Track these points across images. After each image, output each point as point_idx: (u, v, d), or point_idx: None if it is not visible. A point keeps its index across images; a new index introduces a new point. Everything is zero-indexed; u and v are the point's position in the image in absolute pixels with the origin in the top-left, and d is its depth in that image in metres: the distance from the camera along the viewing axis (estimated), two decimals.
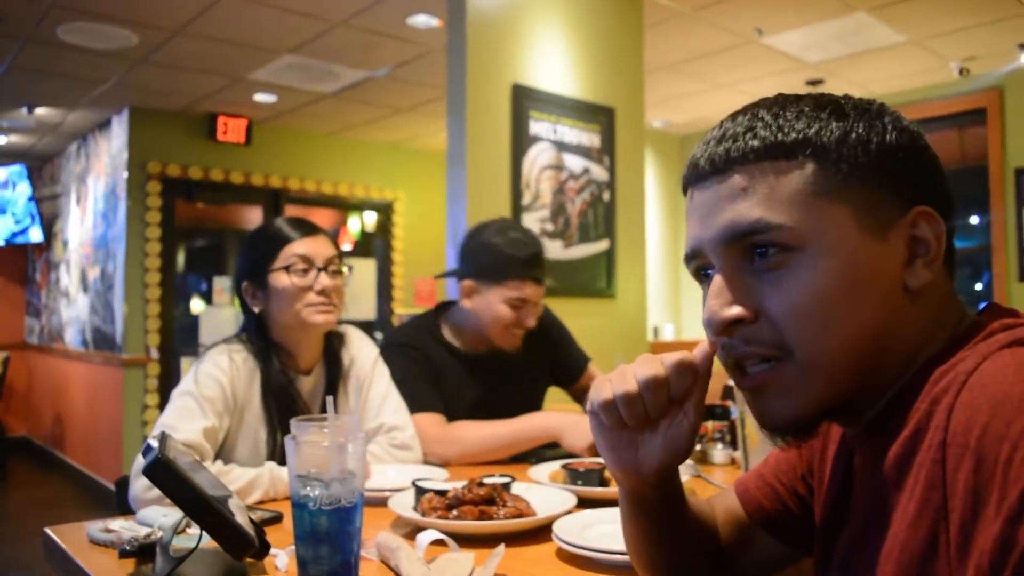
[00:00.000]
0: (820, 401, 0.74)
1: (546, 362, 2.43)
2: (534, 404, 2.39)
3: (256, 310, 1.86)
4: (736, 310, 0.75)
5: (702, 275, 0.81)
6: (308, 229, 1.86)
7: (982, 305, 0.78)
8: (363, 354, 2.01)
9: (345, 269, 1.90)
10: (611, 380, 0.85)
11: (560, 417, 2.04)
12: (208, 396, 1.71)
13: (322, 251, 1.85)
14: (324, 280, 1.83)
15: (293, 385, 1.86)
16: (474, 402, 2.24)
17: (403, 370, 2.13)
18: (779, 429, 0.77)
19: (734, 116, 0.78)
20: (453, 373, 2.23)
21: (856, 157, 0.73)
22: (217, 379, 1.74)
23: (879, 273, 0.72)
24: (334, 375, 1.94)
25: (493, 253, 2.16)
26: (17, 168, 7.47)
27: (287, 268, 1.81)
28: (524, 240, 2.18)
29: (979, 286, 5.92)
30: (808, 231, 0.72)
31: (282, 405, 1.82)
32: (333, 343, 1.96)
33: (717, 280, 0.76)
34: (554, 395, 2.55)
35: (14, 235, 7.75)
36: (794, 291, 0.72)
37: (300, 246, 1.83)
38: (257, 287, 1.85)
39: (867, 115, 0.75)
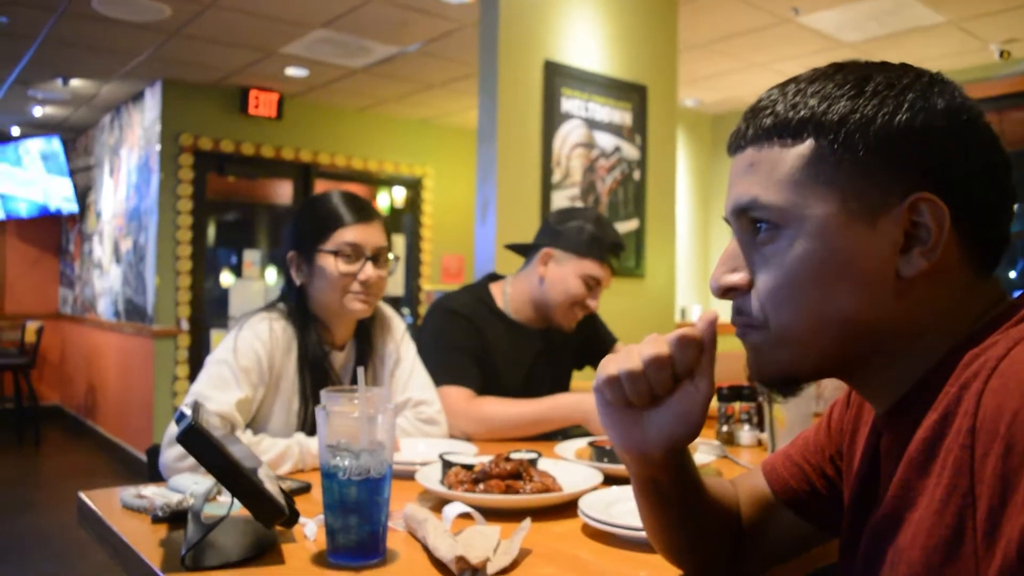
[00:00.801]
0: (785, 367, 0.78)
1: (580, 344, 2.46)
2: (565, 383, 2.43)
3: (299, 283, 1.86)
4: (733, 278, 0.80)
5: None
6: (364, 214, 1.84)
7: (1017, 293, 0.76)
8: (392, 330, 2.02)
9: (392, 257, 1.90)
10: (616, 359, 0.85)
11: (583, 399, 2.05)
12: (244, 366, 1.71)
13: (373, 239, 1.83)
14: (369, 270, 1.82)
15: (328, 358, 1.87)
16: (522, 370, 2.28)
17: (448, 337, 2.18)
18: (754, 376, 0.81)
19: (771, 89, 0.79)
20: (502, 341, 2.26)
21: (853, 139, 0.72)
22: (255, 349, 1.74)
23: (862, 260, 0.72)
24: (364, 351, 1.95)
25: (585, 230, 2.23)
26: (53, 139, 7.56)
27: (336, 253, 1.80)
28: (614, 232, 2.29)
29: (1013, 274, 5.82)
30: (792, 213, 0.74)
31: (316, 377, 1.83)
32: (365, 320, 1.96)
33: (728, 246, 0.82)
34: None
35: (45, 208, 7.86)
36: (776, 268, 0.76)
37: (352, 232, 1.81)
38: (303, 260, 1.84)
39: (887, 93, 0.73)
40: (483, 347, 2.21)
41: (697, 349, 0.83)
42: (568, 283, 2.21)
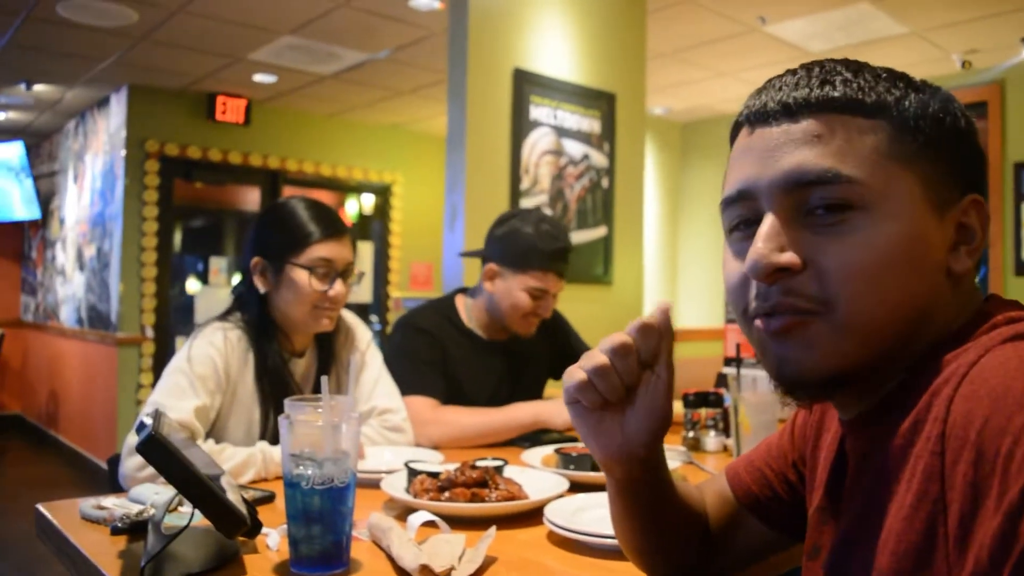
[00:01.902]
0: (844, 361, 0.71)
1: (554, 355, 2.46)
2: (538, 394, 2.43)
3: (263, 290, 1.83)
4: (788, 256, 0.71)
5: (740, 223, 0.78)
6: (336, 229, 1.82)
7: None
8: (356, 338, 2.00)
9: (357, 273, 1.89)
10: (579, 364, 0.85)
11: (546, 403, 2.09)
12: (200, 374, 1.70)
13: (344, 255, 1.83)
14: (338, 287, 1.81)
15: (287, 367, 1.86)
16: (487, 388, 2.27)
17: (411, 350, 2.18)
18: (795, 378, 0.74)
19: (808, 67, 0.76)
20: (466, 358, 2.26)
21: (931, 131, 0.73)
22: (211, 357, 1.73)
23: (932, 250, 0.72)
24: (326, 359, 1.94)
25: (521, 241, 2.19)
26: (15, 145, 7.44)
27: (310, 269, 1.78)
28: (554, 234, 2.21)
29: (975, 280, 5.92)
30: (878, 191, 0.70)
31: (276, 386, 1.81)
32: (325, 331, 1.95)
33: (770, 223, 0.73)
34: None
35: (7, 213, 7.73)
36: (854, 247, 0.70)
37: (326, 248, 1.79)
38: (270, 269, 1.81)
39: (941, 95, 0.75)
40: (447, 362, 2.21)
41: (656, 336, 0.83)
42: (514, 297, 2.19)
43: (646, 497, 0.93)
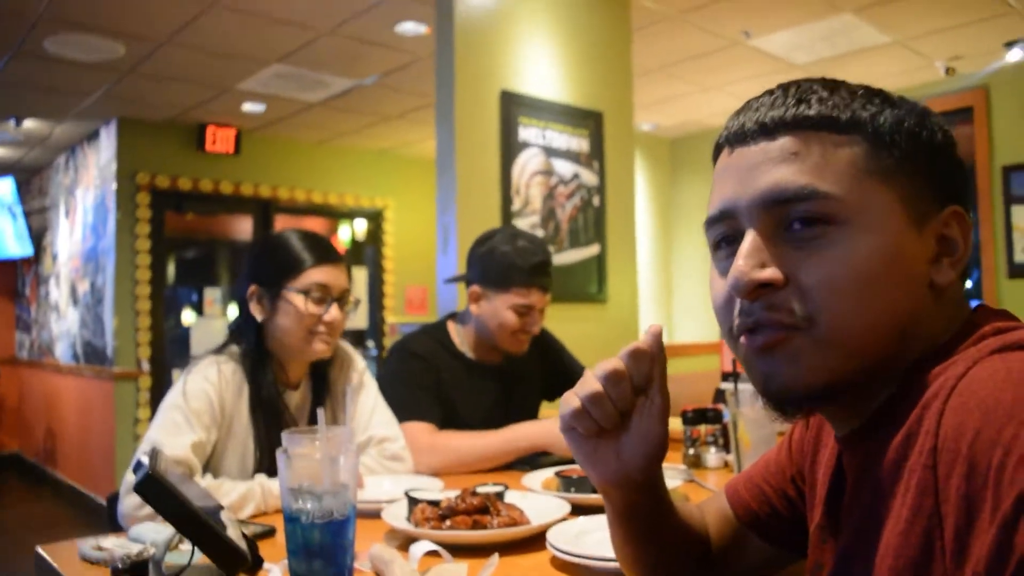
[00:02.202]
0: (830, 375, 0.72)
1: (546, 375, 2.46)
2: (532, 415, 2.42)
3: (260, 319, 1.84)
4: (768, 272, 0.72)
5: (722, 242, 0.79)
6: (331, 256, 1.85)
7: (974, 303, 0.77)
8: (352, 368, 2.00)
9: (352, 300, 1.90)
10: (573, 391, 0.86)
11: (546, 424, 2.08)
12: (196, 409, 1.69)
13: (340, 282, 1.84)
14: (335, 312, 1.82)
15: (281, 398, 1.86)
16: (481, 411, 2.26)
17: (406, 375, 2.18)
18: (781, 393, 0.74)
19: (785, 87, 0.77)
20: (460, 381, 2.26)
21: (907, 145, 0.73)
22: (205, 392, 1.72)
23: (912, 263, 0.72)
24: (321, 389, 1.94)
25: (500, 260, 2.19)
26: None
27: (306, 293, 1.79)
28: (531, 248, 2.21)
29: (968, 284, 5.94)
30: (855, 205, 0.71)
31: (270, 418, 1.81)
32: (322, 358, 1.95)
33: (751, 240, 0.74)
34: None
35: None
36: (833, 262, 0.71)
37: (321, 273, 1.81)
38: (266, 296, 1.83)
39: (917, 110, 0.76)
40: (441, 386, 2.21)
41: (648, 360, 0.84)
42: (501, 317, 2.20)
43: (645, 521, 0.93)
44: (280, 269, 1.82)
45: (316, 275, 1.80)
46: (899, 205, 0.72)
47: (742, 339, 0.75)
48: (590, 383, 0.84)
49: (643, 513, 0.92)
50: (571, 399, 0.85)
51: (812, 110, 0.74)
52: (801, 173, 0.72)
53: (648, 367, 0.84)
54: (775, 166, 0.73)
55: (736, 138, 0.77)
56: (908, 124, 0.74)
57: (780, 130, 0.74)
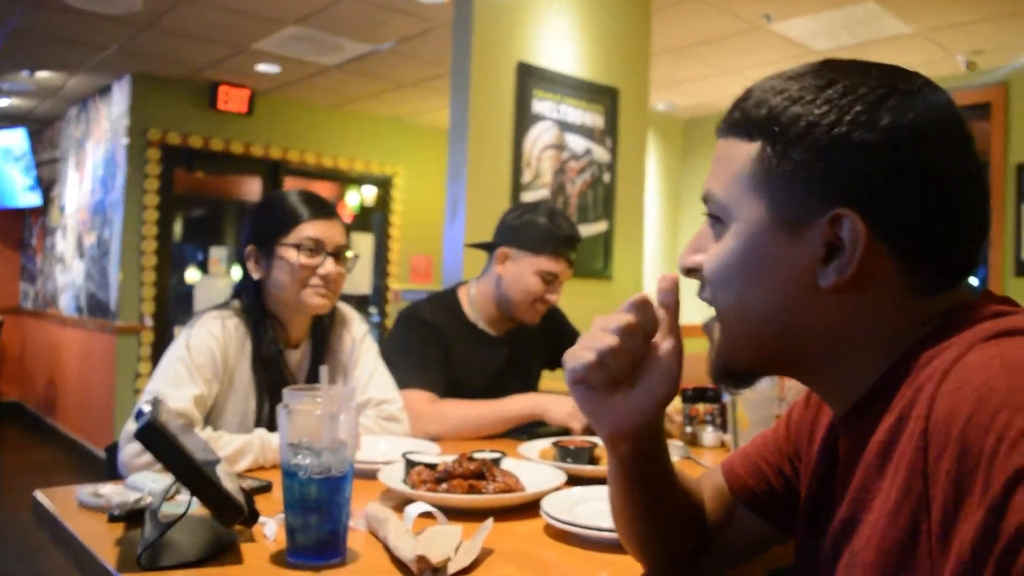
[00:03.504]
0: (726, 358, 0.82)
1: (550, 344, 2.48)
2: (534, 385, 2.47)
3: (256, 277, 1.85)
4: (692, 259, 0.83)
5: None
6: (325, 211, 1.86)
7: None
8: (352, 331, 2.01)
9: (350, 255, 1.90)
10: (583, 346, 0.86)
11: (541, 396, 2.14)
12: (199, 363, 1.70)
13: (334, 237, 1.85)
14: (329, 266, 1.83)
15: (282, 357, 1.86)
16: (484, 379, 2.29)
17: (411, 343, 2.21)
18: (709, 371, 0.84)
19: (758, 81, 0.80)
20: (468, 350, 2.28)
21: (790, 146, 0.73)
22: (208, 345, 1.73)
23: (783, 266, 0.75)
24: (321, 350, 1.95)
25: (538, 227, 2.25)
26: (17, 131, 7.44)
27: (298, 247, 1.80)
28: (568, 224, 2.29)
29: (975, 280, 5.92)
30: (730, 210, 0.78)
31: (271, 375, 1.82)
32: (323, 319, 1.96)
33: (699, 228, 0.84)
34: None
35: (7, 200, 7.72)
36: (716, 258, 0.79)
37: (314, 227, 1.82)
38: (262, 255, 1.84)
39: (838, 102, 0.72)
40: (448, 356, 2.24)
41: (651, 307, 0.86)
42: (526, 280, 2.23)
43: (647, 476, 0.94)
44: (274, 226, 1.83)
45: (308, 229, 1.82)
46: (768, 211, 0.75)
47: None
48: (604, 337, 0.85)
49: (646, 467, 0.93)
50: (583, 353, 0.85)
51: (737, 113, 0.79)
52: (712, 177, 0.81)
53: (653, 314, 0.86)
54: (712, 166, 0.82)
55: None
56: (805, 122, 0.72)
57: (721, 133, 0.82)
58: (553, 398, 2.10)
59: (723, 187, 0.79)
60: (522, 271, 2.23)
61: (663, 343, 0.87)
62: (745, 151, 0.77)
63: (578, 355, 0.86)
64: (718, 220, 0.80)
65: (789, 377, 0.85)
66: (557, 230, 2.23)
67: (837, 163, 0.71)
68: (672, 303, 0.88)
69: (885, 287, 0.73)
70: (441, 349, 2.23)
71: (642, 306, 0.86)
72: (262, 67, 5.87)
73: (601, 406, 0.88)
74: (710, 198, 0.81)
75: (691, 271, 0.83)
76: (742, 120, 0.78)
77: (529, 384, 2.44)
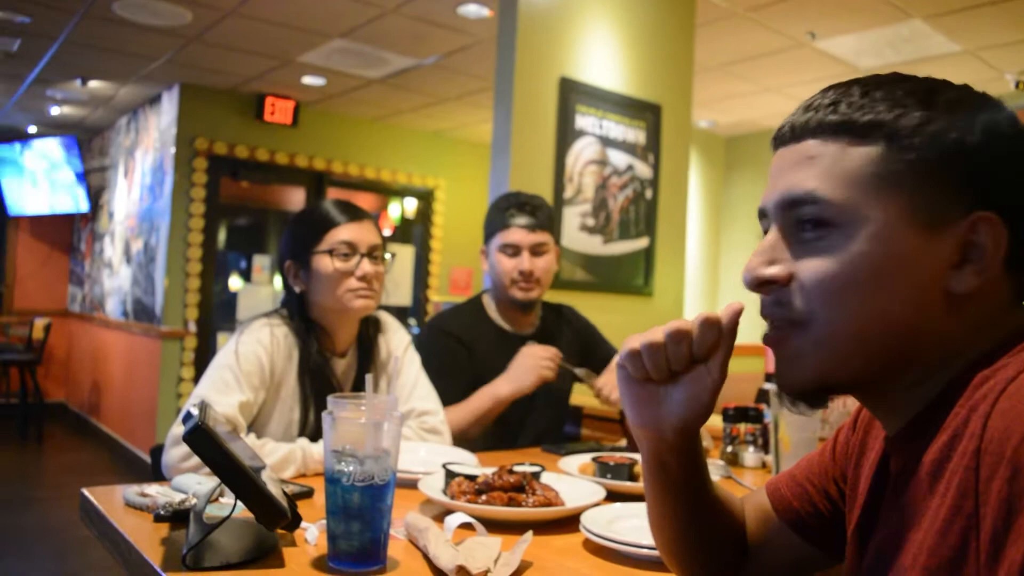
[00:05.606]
0: (824, 375, 0.76)
1: (580, 345, 2.51)
2: (564, 383, 2.45)
3: (297, 290, 1.87)
4: (771, 270, 0.77)
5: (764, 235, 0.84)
6: (354, 214, 1.88)
7: None
8: (396, 341, 2.02)
9: (387, 256, 1.92)
10: (639, 335, 0.88)
11: (502, 377, 2.21)
12: (247, 370, 1.73)
13: (366, 237, 1.86)
14: (366, 266, 1.84)
15: (328, 365, 1.88)
16: None
17: (431, 354, 2.24)
18: (788, 390, 0.79)
19: (831, 87, 0.79)
20: (493, 351, 2.31)
21: (925, 148, 0.72)
22: (257, 354, 1.76)
23: (916, 269, 0.72)
24: (367, 359, 1.96)
25: (489, 213, 2.36)
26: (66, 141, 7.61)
27: (331, 252, 1.82)
28: (510, 194, 2.35)
29: (1005, 299, 5.80)
30: (852, 212, 0.73)
31: (317, 384, 1.84)
32: (368, 328, 1.98)
33: (766, 238, 0.79)
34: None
35: (58, 206, 7.90)
36: (827, 264, 0.74)
37: (345, 231, 1.84)
38: (300, 267, 1.87)
39: (958, 110, 0.73)
40: (473, 358, 2.29)
41: (716, 332, 0.84)
42: (496, 265, 2.32)
43: (676, 481, 0.94)
44: (307, 237, 1.86)
45: (340, 234, 1.84)
46: (904, 211, 0.72)
47: (766, 331, 0.80)
48: (656, 333, 0.86)
49: (672, 475, 0.93)
50: (632, 340, 0.88)
51: (834, 115, 0.75)
52: (809, 178, 0.75)
53: (714, 338, 0.84)
54: (792, 169, 0.77)
55: (777, 140, 0.81)
56: (935, 126, 0.72)
57: (805, 135, 0.77)
58: (511, 370, 2.18)
59: (838, 186, 0.74)
60: (493, 260, 2.33)
61: (707, 369, 0.86)
62: (862, 151, 0.74)
63: (629, 341, 0.88)
64: (826, 222, 0.74)
65: (869, 392, 0.80)
66: (502, 203, 2.32)
67: (977, 167, 0.72)
68: (732, 328, 0.85)
69: (996, 295, 0.74)
70: (460, 356, 2.28)
71: (705, 324, 0.84)
72: (308, 79, 5.95)
73: (633, 397, 0.90)
74: (812, 199, 0.75)
75: (766, 283, 0.78)
76: (848, 121, 0.75)
77: (559, 385, 2.42)
